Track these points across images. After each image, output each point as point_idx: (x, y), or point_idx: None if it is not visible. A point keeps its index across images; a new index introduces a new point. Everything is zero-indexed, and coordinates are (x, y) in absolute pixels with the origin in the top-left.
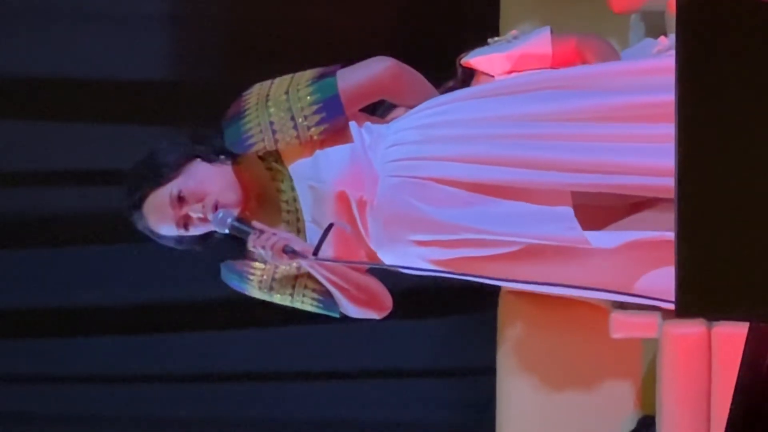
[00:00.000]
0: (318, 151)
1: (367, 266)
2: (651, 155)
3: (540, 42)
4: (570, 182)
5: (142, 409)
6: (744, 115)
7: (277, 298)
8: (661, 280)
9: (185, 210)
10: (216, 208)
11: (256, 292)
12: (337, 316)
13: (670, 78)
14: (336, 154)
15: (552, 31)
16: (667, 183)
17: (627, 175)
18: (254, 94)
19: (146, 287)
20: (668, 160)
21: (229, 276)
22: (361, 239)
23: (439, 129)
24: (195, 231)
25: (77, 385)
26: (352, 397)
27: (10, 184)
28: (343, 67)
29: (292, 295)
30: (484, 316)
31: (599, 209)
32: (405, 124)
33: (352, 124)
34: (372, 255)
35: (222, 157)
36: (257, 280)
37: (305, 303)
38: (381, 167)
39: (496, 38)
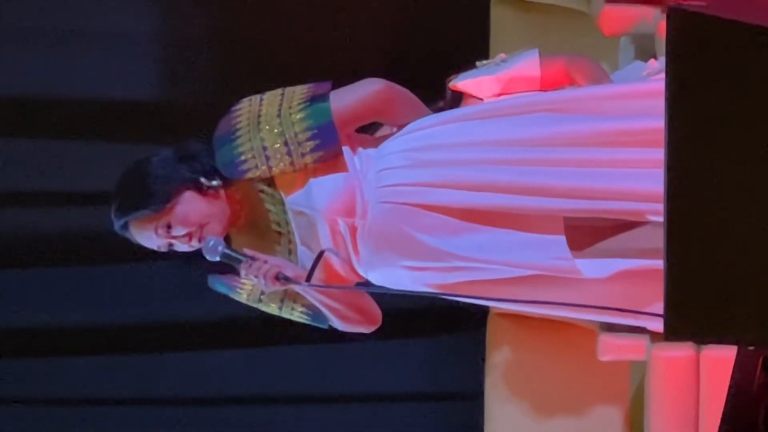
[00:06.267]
0: (311, 180)
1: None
2: (641, 180)
3: (528, 64)
4: (561, 208)
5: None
6: (733, 141)
7: (264, 308)
8: (651, 308)
9: (170, 240)
10: (201, 240)
11: (243, 300)
12: (326, 327)
13: (660, 102)
14: (329, 182)
15: (540, 54)
16: (657, 208)
17: (617, 200)
18: (245, 111)
19: (139, 307)
20: (659, 186)
21: (216, 284)
22: (352, 266)
23: (427, 153)
24: (179, 249)
25: (67, 407)
26: (333, 422)
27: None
28: (334, 85)
29: (280, 308)
30: (471, 338)
31: (588, 230)
32: (393, 147)
33: (346, 150)
34: (362, 278)
35: (213, 182)
36: (246, 293)
37: (294, 314)
38: (372, 192)
39: (485, 61)
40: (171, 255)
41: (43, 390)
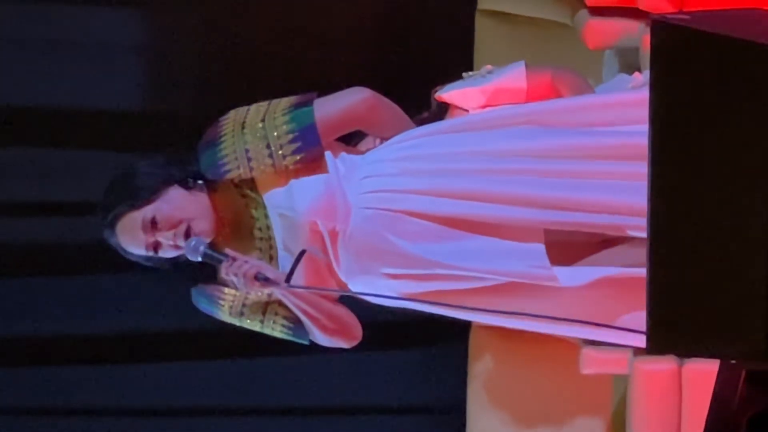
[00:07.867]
0: (293, 181)
1: (338, 295)
2: (625, 193)
3: (515, 76)
4: (543, 219)
5: None
6: (717, 154)
7: (247, 323)
8: (631, 318)
9: (157, 236)
10: (188, 235)
11: (225, 317)
12: (307, 343)
13: (644, 112)
14: (310, 184)
15: (527, 66)
16: (640, 222)
17: (600, 213)
18: (230, 120)
19: (121, 317)
20: (642, 199)
21: (199, 299)
22: (332, 269)
23: (414, 162)
24: (165, 254)
25: (46, 416)
26: None
27: None
28: (319, 96)
29: (262, 321)
30: (454, 351)
31: (571, 245)
32: (380, 156)
33: (328, 154)
34: (342, 285)
35: (198, 182)
36: (228, 305)
37: (275, 329)
38: (355, 198)
39: (471, 72)
40: (156, 267)
41: (22, 399)
